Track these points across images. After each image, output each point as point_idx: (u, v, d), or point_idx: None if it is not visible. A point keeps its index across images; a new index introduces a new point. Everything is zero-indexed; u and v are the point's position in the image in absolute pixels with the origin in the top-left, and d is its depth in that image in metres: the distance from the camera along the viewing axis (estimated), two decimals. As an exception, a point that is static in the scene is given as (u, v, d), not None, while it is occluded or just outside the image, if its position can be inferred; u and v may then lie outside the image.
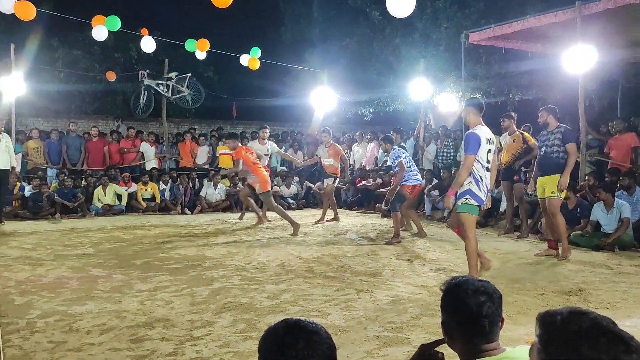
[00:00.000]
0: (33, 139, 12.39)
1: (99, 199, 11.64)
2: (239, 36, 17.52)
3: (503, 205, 9.39)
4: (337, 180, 10.42)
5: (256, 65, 13.00)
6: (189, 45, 12.47)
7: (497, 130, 7.90)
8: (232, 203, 12.51)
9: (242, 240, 8.10)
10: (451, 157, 12.09)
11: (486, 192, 5.26)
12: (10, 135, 12.66)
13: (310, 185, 13.39)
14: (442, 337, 1.88)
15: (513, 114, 8.69)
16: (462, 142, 5.72)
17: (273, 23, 20.11)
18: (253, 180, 9.18)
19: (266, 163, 10.16)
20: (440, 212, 10.75)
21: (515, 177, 8.47)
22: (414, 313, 4.38)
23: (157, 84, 13.60)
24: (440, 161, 12.27)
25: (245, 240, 8.18)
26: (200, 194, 12.52)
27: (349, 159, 12.92)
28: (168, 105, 14.67)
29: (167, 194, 12.35)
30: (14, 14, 9.51)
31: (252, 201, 9.75)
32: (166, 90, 13.71)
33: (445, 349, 1.89)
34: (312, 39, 17.58)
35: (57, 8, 11.02)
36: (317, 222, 9.99)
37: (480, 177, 5.18)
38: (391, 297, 4.86)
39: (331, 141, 10.17)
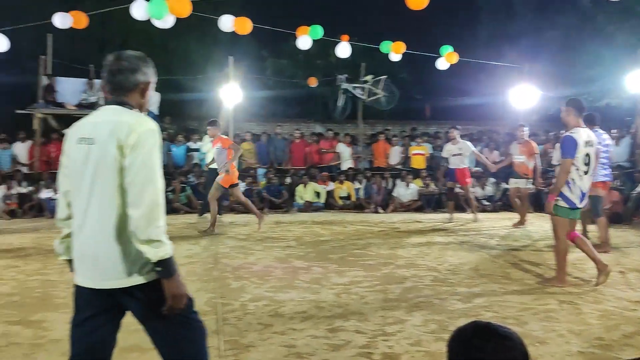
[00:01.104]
0: (247, 141, 13.81)
1: (300, 196, 12.54)
2: (434, 36, 17.37)
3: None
4: (529, 182, 9.55)
5: (454, 59, 12.64)
6: (384, 47, 12.72)
7: None
8: (424, 203, 12.49)
9: (434, 242, 8.06)
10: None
11: (580, 195, 5.20)
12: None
13: (507, 186, 12.74)
14: None
15: None
16: (559, 145, 5.61)
17: (469, 21, 19.59)
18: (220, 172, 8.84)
19: (462, 163, 10.04)
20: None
21: None
22: (627, 331, 3.96)
23: (354, 87, 14.16)
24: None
25: (438, 241, 8.13)
26: (393, 193, 12.74)
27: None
28: (364, 107, 15.18)
29: (361, 193, 12.82)
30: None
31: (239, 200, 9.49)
32: (362, 93, 14.19)
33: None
34: (510, 34, 16.73)
35: (265, 21, 12.11)
36: (516, 225, 9.41)
37: (573, 179, 5.15)
38: (599, 312, 4.44)
39: (526, 138, 9.57)
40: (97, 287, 2.18)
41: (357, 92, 14.17)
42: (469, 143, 10.44)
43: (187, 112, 18.24)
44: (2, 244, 7.86)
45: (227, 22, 10.40)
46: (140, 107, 2.32)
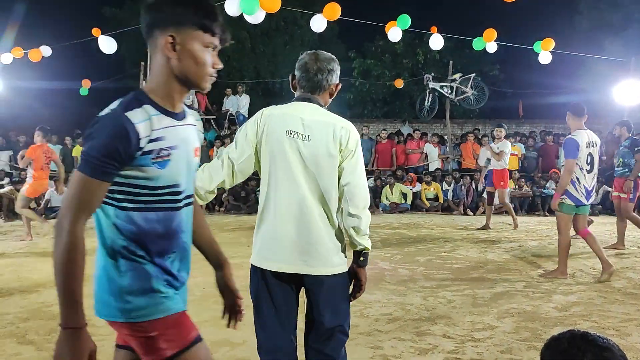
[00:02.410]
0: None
1: (386, 197, 12.45)
2: (528, 29, 16.64)
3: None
4: None
5: (550, 45, 11.88)
6: (477, 43, 12.27)
7: None
8: (517, 205, 12.00)
9: (527, 246, 7.73)
10: None
11: (585, 192, 5.56)
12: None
13: (609, 189, 11.97)
14: None
15: None
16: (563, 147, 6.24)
17: (566, 11, 18.57)
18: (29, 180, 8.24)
19: (504, 162, 9.32)
20: None
21: None
22: None
23: (442, 86, 13.88)
24: None
25: (531, 245, 7.79)
26: (483, 195, 12.33)
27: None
28: (452, 106, 14.82)
29: (449, 195, 12.52)
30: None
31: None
32: (450, 92, 13.88)
33: None
34: (613, 25, 15.68)
35: (352, 16, 12.10)
36: None
37: (578, 178, 5.53)
38: None
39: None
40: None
41: (445, 91, 13.88)
42: (507, 142, 9.70)
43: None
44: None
45: (318, 23, 10.51)
46: (325, 106, 2.46)
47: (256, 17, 9.39)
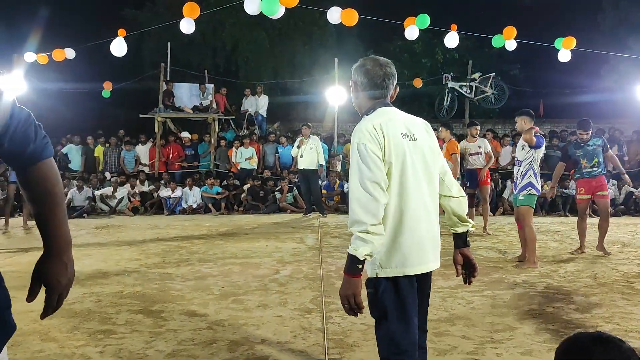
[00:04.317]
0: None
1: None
2: (549, 27, 16.44)
3: None
4: None
5: (572, 44, 11.73)
6: (496, 41, 12.16)
7: None
8: (537, 206, 11.86)
9: (548, 247, 7.64)
10: None
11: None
12: (333, 138, 14.47)
13: (632, 189, 11.79)
14: None
15: None
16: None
17: (589, 9, 18.29)
18: None
19: (480, 161, 8.98)
20: None
21: None
22: None
23: (460, 86, 13.79)
24: None
25: (551, 246, 7.70)
26: (503, 195, 12.24)
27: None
28: (471, 105, 14.71)
29: (469, 195, 12.42)
30: (338, 29, 10.83)
31: None
32: (469, 91, 13.79)
33: None
34: (638, 23, 15.41)
35: (370, 16, 12.09)
36: None
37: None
38: None
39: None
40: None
41: (464, 91, 13.79)
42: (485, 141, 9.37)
43: (294, 114, 18.73)
44: (127, 239, 8.53)
45: (334, 14, 10.51)
46: None
47: (276, 13, 9.43)
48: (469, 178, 9.17)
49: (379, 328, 2.42)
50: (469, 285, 2.67)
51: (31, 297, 1.56)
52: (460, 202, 2.52)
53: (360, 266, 2.23)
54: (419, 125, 2.45)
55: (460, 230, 2.56)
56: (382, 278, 2.35)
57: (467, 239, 2.59)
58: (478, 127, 9.34)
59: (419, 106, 18.17)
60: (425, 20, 11.27)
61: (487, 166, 8.94)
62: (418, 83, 15.44)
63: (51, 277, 1.55)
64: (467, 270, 2.63)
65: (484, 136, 9.41)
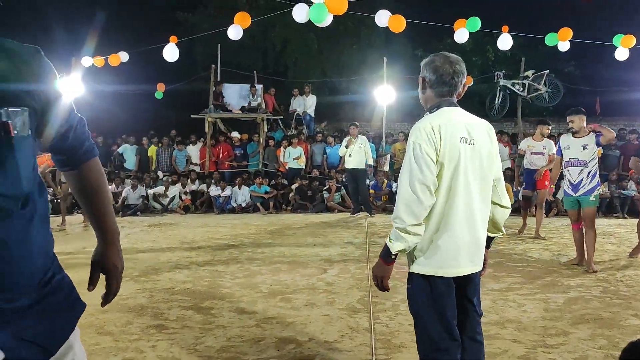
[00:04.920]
0: (399, 142, 13.79)
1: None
2: (605, 24, 15.82)
3: None
4: None
5: (631, 42, 11.24)
6: (550, 39, 11.82)
7: None
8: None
9: (605, 250, 7.36)
10: None
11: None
12: (381, 138, 14.40)
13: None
14: None
15: None
16: None
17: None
18: None
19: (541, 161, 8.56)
20: None
21: None
22: None
23: (513, 84, 13.46)
24: None
25: (608, 249, 7.41)
26: (557, 196, 11.85)
27: None
28: (524, 104, 14.32)
29: (520, 195, 12.07)
30: (387, 29, 10.77)
31: None
32: (522, 89, 13.44)
33: None
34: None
35: (420, 18, 11.95)
36: None
37: None
38: None
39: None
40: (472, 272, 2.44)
41: (517, 89, 13.44)
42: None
43: (341, 113, 18.73)
44: (178, 236, 8.75)
45: (383, 18, 10.46)
46: None
47: (324, 21, 9.47)
48: (527, 179, 8.82)
49: (416, 325, 2.48)
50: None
51: (92, 285, 1.68)
52: (505, 213, 2.54)
53: (392, 257, 2.35)
54: (482, 129, 2.43)
55: (491, 235, 2.57)
56: (418, 274, 2.41)
57: (491, 243, 2.63)
58: (550, 127, 8.91)
59: (470, 105, 17.81)
60: (475, 23, 11.06)
61: (546, 167, 8.51)
62: (469, 81, 15.14)
63: (109, 263, 1.69)
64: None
65: (549, 136, 8.94)
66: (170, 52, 11.78)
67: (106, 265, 1.69)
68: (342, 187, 12.50)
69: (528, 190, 8.85)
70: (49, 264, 1.40)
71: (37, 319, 1.31)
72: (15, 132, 1.22)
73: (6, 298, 1.25)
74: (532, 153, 8.68)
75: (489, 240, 2.56)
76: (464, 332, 2.47)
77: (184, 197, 13.03)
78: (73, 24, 15.50)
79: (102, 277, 1.72)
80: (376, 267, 2.43)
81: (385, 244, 2.35)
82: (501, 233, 2.59)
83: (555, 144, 7.49)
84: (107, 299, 1.70)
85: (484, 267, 2.54)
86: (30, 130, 1.28)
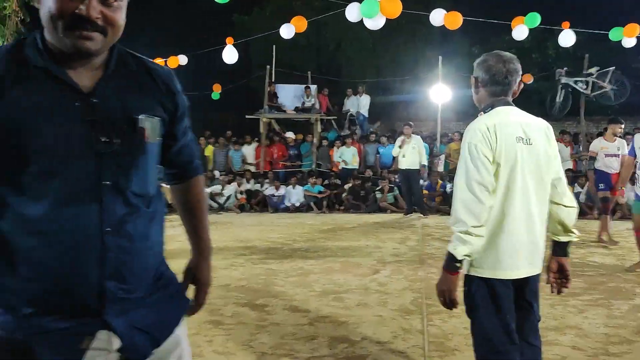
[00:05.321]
0: (455, 142, 13.56)
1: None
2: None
3: None
4: None
5: None
6: (614, 34, 11.34)
7: None
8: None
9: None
10: None
11: None
12: (435, 137, 14.22)
13: None
14: None
15: None
16: None
17: None
18: None
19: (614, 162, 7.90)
20: None
21: None
22: None
23: (575, 82, 12.98)
24: None
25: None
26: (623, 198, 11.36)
27: None
28: (587, 102, 13.79)
29: (582, 197, 11.66)
30: (442, 26, 10.63)
31: None
32: (585, 87, 12.94)
33: None
34: None
35: (477, 15, 11.72)
36: None
37: None
38: None
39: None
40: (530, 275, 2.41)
41: (579, 86, 12.95)
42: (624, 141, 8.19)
43: (395, 113, 18.60)
44: (234, 234, 8.93)
45: (438, 17, 10.33)
46: None
47: (376, 23, 9.45)
48: (603, 180, 8.10)
49: (473, 326, 2.43)
50: (557, 294, 2.53)
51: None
52: (569, 212, 2.41)
53: (458, 265, 2.24)
54: (539, 128, 2.38)
55: (563, 239, 2.43)
56: (474, 276, 2.35)
57: (568, 249, 2.45)
58: (622, 126, 8.24)
59: (529, 103, 17.28)
60: (535, 19, 10.73)
61: (622, 170, 7.89)
62: (528, 79, 14.72)
63: (202, 277, 1.77)
64: (561, 279, 2.48)
65: (624, 135, 8.28)
66: (230, 54, 12.06)
67: (199, 278, 1.76)
68: (395, 188, 12.41)
69: (607, 192, 8.03)
70: (161, 260, 1.52)
71: (149, 309, 1.41)
72: (148, 137, 1.38)
73: (128, 289, 1.36)
74: (606, 155, 8.01)
75: (565, 245, 2.44)
76: (520, 335, 2.41)
77: (239, 196, 13.28)
78: (133, 29, 16.06)
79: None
80: (440, 281, 2.30)
81: (447, 253, 2.25)
82: (574, 235, 2.45)
83: (628, 144, 7.08)
84: (194, 309, 1.77)
85: (568, 279, 2.46)
86: (158, 139, 1.44)
